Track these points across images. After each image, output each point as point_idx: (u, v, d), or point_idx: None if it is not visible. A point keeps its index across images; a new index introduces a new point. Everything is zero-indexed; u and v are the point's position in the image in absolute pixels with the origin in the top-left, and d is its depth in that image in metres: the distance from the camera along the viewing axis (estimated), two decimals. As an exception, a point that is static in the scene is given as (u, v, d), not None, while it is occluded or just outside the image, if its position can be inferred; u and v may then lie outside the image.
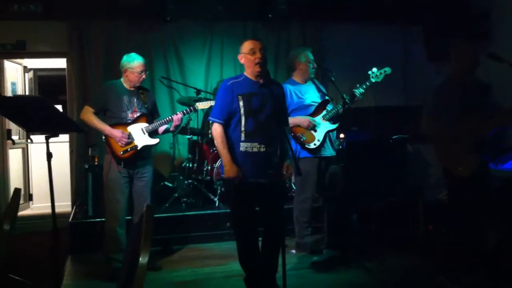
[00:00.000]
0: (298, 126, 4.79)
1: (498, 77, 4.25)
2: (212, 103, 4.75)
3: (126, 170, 4.38)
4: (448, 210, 4.17)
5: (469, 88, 3.92)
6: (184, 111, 4.61)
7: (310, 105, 4.85)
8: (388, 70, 4.82)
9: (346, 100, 4.66)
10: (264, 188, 3.65)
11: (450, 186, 4.03)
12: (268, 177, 3.65)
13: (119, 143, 4.31)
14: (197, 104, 4.73)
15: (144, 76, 4.45)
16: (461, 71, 3.97)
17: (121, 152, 4.33)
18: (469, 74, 3.99)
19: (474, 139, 3.79)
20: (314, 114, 4.85)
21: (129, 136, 4.34)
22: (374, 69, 4.82)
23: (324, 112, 4.85)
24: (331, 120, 4.86)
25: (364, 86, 4.80)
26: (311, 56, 4.92)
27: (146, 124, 4.43)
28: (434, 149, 4.02)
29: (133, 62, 4.39)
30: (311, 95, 4.90)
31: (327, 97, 4.96)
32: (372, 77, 4.80)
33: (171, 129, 4.56)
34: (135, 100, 4.45)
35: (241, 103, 3.63)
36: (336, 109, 4.83)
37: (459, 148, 3.81)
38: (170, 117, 4.47)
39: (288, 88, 4.79)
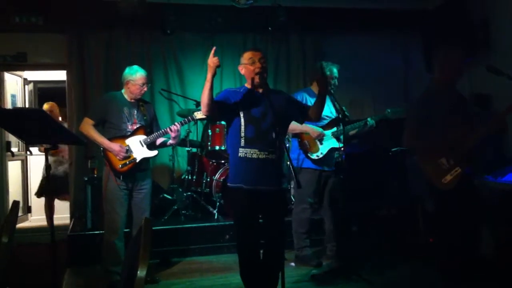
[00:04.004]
0: (307, 134, 4.79)
1: (497, 88, 4.25)
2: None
3: (125, 183, 4.37)
4: (435, 222, 4.17)
5: (452, 98, 3.92)
6: (182, 121, 4.60)
7: (323, 118, 4.80)
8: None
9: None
10: (265, 196, 3.62)
11: (434, 198, 4.02)
12: (269, 184, 3.60)
13: (117, 157, 4.31)
14: (195, 113, 4.72)
15: (145, 89, 4.47)
16: (444, 80, 3.96)
17: (120, 166, 4.32)
18: (453, 83, 3.98)
19: (458, 151, 3.77)
20: (325, 127, 4.83)
21: (128, 149, 4.34)
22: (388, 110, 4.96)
23: (335, 128, 4.82)
24: (339, 138, 4.84)
25: (376, 118, 4.92)
26: (336, 73, 4.90)
27: (145, 136, 4.42)
28: (417, 162, 4.00)
29: (135, 74, 4.40)
30: (325, 108, 4.84)
31: (341, 116, 4.93)
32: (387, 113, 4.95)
33: (171, 141, 4.53)
34: (135, 112, 4.46)
35: (241, 113, 3.62)
36: (350, 129, 4.87)
37: (442, 161, 3.80)
38: (166, 129, 4.46)
39: (305, 96, 4.78)
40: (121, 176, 4.34)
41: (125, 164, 4.33)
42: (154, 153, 4.46)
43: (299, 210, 4.92)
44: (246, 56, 3.70)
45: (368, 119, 4.91)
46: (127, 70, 4.46)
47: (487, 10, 6.06)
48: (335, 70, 4.91)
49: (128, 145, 4.35)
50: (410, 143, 4.01)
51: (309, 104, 4.64)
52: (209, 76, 3.45)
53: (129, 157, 4.34)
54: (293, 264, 4.98)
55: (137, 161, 4.36)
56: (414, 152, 4.13)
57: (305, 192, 4.80)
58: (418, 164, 3.98)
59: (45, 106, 6.99)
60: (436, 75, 4.01)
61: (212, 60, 3.42)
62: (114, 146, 4.30)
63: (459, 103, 3.95)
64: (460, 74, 3.95)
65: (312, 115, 3.79)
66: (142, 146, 4.40)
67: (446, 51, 3.98)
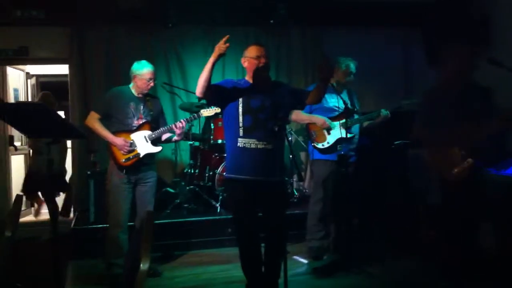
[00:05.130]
0: (314, 124, 4.78)
1: (499, 82, 4.21)
2: (216, 110, 4.76)
3: (128, 176, 4.38)
4: (441, 215, 4.15)
5: (463, 92, 3.89)
6: (188, 118, 4.61)
7: (332, 109, 4.78)
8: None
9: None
10: (264, 188, 3.62)
11: (443, 191, 4.00)
12: (267, 175, 3.61)
13: (121, 151, 4.32)
14: (202, 111, 4.74)
15: (152, 84, 4.46)
16: (454, 76, 3.93)
17: (123, 160, 4.33)
18: (463, 78, 3.95)
19: (468, 144, 3.75)
20: (335, 118, 4.79)
21: (132, 144, 4.35)
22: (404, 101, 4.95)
23: (345, 120, 4.77)
24: (349, 130, 4.81)
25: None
26: (352, 69, 4.85)
27: (149, 132, 4.43)
28: (427, 155, 3.98)
29: (143, 69, 4.40)
30: (336, 100, 4.81)
31: (354, 108, 4.91)
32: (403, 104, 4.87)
33: (176, 138, 4.53)
34: (142, 107, 4.46)
35: (240, 104, 3.61)
36: (359, 121, 4.84)
37: (451, 154, 3.78)
38: (171, 126, 4.45)
39: None
40: (125, 170, 4.36)
41: (128, 159, 4.34)
42: (158, 149, 4.46)
43: (312, 202, 4.89)
44: (251, 50, 3.69)
45: (382, 110, 4.89)
46: (135, 65, 4.46)
47: (488, 5, 6.05)
48: (352, 66, 4.85)
49: (132, 140, 4.36)
50: (421, 133, 3.98)
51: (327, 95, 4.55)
52: (212, 59, 3.44)
53: (133, 151, 4.35)
54: (295, 257, 4.98)
55: (141, 156, 4.37)
56: (424, 143, 4.10)
57: (318, 184, 4.81)
58: (427, 155, 3.96)
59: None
60: (446, 70, 3.98)
61: (219, 46, 3.40)
62: (118, 140, 4.31)
63: (466, 100, 3.92)
64: (466, 72, 3.92)
65: (309, 99, 3.76)
66: (147, 141, 4.40)
67: (452, 49, 3.95)
